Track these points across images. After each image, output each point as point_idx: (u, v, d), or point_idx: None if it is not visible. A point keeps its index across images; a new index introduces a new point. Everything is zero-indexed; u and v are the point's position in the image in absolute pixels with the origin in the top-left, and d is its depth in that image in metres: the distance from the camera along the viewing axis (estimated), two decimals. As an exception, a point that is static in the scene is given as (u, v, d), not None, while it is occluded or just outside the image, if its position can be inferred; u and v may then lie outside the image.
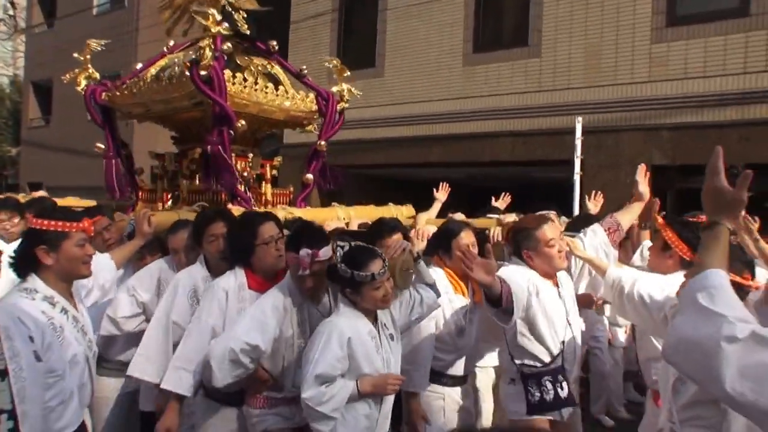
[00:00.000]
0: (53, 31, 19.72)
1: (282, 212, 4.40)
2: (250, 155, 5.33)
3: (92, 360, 2.74)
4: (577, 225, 4.01)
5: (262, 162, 5.46)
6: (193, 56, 4.69)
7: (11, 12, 13.97)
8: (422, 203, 5.73)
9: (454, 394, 3.45)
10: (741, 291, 1.87)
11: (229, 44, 4.84)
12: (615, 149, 8.87)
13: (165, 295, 3.31)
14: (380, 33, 11.89)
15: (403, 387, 3.05)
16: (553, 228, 3.17)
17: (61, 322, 2.52)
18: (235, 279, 3.08)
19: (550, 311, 3.12)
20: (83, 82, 5.22)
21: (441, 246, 3.50)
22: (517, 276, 3.03)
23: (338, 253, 2.71)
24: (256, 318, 2.85)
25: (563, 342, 3.16)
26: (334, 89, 5.66)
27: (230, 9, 5.30)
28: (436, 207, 5.48)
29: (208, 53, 4.42)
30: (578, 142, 7.24)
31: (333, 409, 2.60)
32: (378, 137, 11.59)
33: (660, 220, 3.15)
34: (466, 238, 3.43)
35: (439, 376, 3.41)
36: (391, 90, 11.70)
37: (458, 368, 3.46)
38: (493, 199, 5.77)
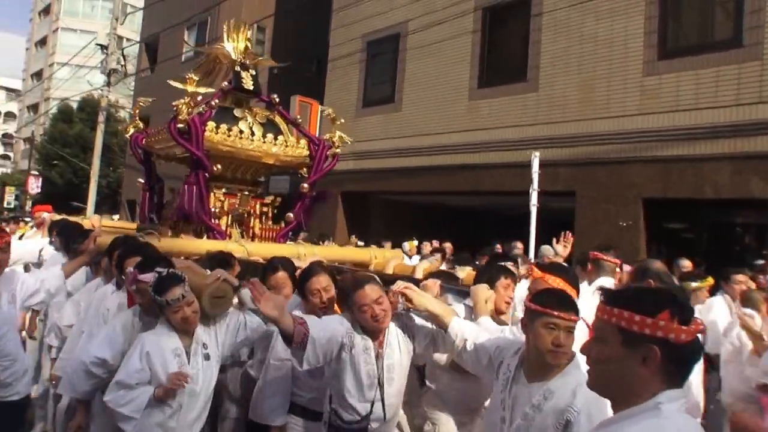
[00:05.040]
0: (156, 74, 22.15)
1: (234, 245, 4.90)
2: (244, 193, 6.01)
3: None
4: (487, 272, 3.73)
5: (253, 200, 6.11)
6: (173, 113, 5.46)
7: (123, 63, 20.14)
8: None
9: (314, 427, 3.39)
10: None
11: (217, 101, 5.71)
12: (607, 181, 8.96)
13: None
14: (399, 72, 12.54)
15: (253, 417, 3.45)
16: (372, 290, 2.99)
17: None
18: (117, 298, 3.74)
19: (360, 369, 3.00)
20: (131, 130, 6.49)
21: (299, 289, 3.57)
22: (337, 325, 3.00)
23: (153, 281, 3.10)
24: (108, 335, 3.30)
25: (372, 403, 3.03)
26: (326, 136, 6.31)
27: (239, 69, 6.12)
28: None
29: (183, 109, 5.30)
30: (535, 176, 7.48)
31: (132, 411, 2.96)
32: (396, 167, 12.14)
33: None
34: (317, 283, 3.44)
35: (302, 410, 3.49)
36: (407, 123, 12.27)
37: (318, 405, 3.35)
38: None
